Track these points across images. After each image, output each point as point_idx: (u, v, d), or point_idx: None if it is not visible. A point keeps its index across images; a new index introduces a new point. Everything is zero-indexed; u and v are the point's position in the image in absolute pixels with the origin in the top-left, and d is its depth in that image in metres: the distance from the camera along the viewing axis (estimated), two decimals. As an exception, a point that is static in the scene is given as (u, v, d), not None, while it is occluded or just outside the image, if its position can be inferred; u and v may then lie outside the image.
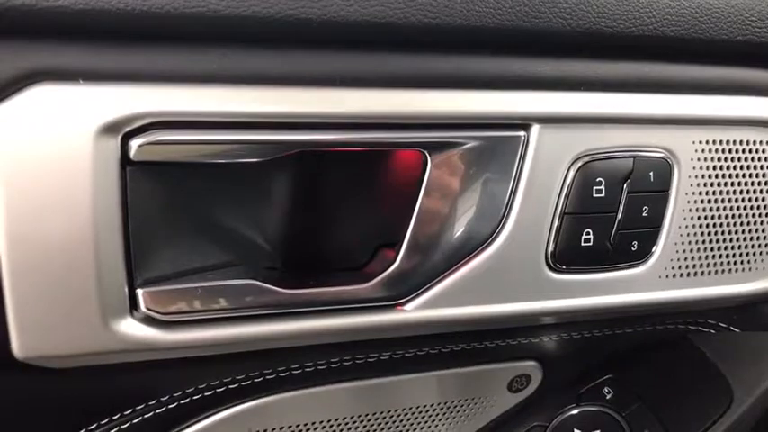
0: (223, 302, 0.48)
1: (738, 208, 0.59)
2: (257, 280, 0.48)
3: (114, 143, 0.43)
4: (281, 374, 0.57)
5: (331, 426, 0.61)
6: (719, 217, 0.58)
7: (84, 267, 0.43)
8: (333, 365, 0.58)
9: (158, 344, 0.47)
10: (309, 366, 0.57)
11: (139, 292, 0.46)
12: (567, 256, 0.54)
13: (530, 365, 0.66)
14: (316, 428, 0.61)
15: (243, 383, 0.56)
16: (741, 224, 0.59)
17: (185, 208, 0.49)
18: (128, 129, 0.43)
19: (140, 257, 0.46)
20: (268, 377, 0.56)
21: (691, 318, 0.66)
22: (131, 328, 0.46)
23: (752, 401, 0.62)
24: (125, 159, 0.43)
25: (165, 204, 0.47)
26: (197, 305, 0.47)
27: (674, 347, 0.68)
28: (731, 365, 0.64)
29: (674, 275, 0.58)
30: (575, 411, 0.67)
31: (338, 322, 0.51)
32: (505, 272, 0.53)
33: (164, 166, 0.45)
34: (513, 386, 0.66)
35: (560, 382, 0.68)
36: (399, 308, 0.52)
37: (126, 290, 0.45)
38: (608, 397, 0.67)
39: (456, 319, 0.53)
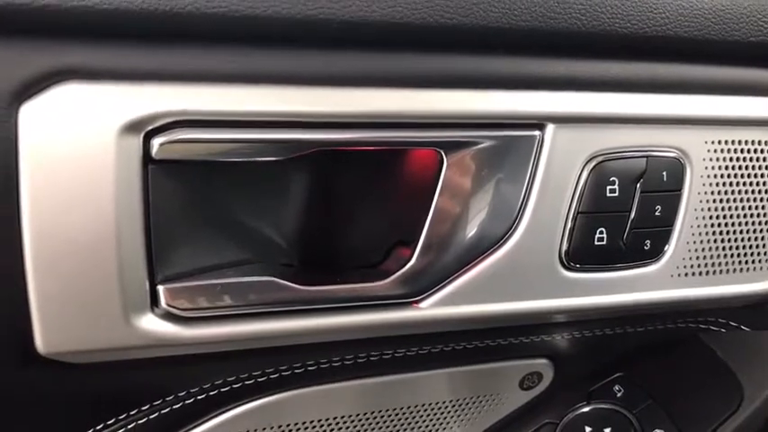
0: (241, 299, 0.48)
1: (750, 207, 0.59)
2: (275, 277, 0.49)
3: (137, 141, 0.43)
4: (297, 371, 0.57)
5: (345, 422, 0.62)
6: (732, 216, 0.59)
7: (107, 264, 0.44)
8: (347, 362, 0.58)
9: (178, 339, 0.47)
10: (324, 363, 0.58)
11: (160, 288, 0.46)
12: (581, 255, 0.55)
13: (541, 363, 0.66)
14: (330, 425, 0.61)
15: (259, 380, 0.56)
16: (753, 224, 0.60)
17: (205, 206, 0.49)
18: (150, 127, 0.43)
19: (161, 254, 0.46)
20: (283, 374, 0.57)
21: (702, 316, 0.67)
22: (152, 323, 0.47)
23: (762, 399, 0.63)
24: (147, 157, 0.44)
25: (185, 202, 0.48)
26: (216, 302, 0.48)
27: (685, 346, 0.68)
28: (742, 364, 0.65)
29: (686, 274, 0.59)
30: (586, 409, 0.67)
31: (354, 319, 0.51)
32: (520, 270, 0.54)
33: (184, 164, 0.46)
34: (525, 384, 0.67)
35: (571, 380, 0.69)
36: (415, 305, 0.52)
37: (147, 286, 0.46)
38: (619, 395, 0.67)
39: (471, 316, 0.54)
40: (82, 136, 0.42)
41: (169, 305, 0.47)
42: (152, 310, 0.47)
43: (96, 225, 0.43)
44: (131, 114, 0.43)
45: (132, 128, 0.43)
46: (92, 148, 0.42)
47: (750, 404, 0.62)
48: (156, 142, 0.43)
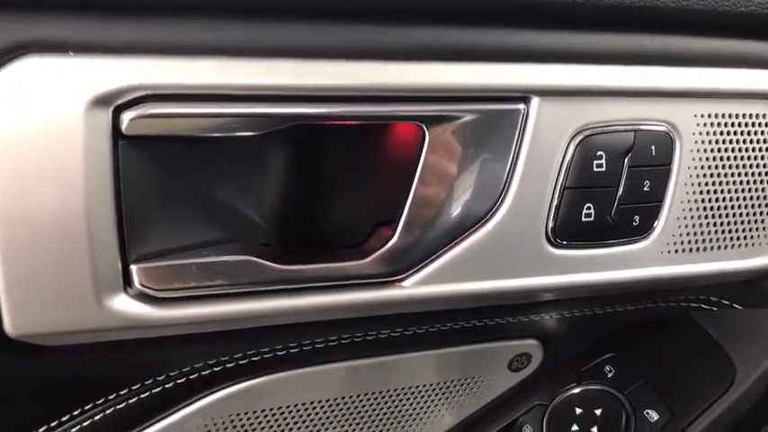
0: (218, 279, 0.47)
1: (741, 182, 0.58)
2: (253, 256, 0.48)
3: (106, 116, 0.42)
4: (279, 353, 0.56)
5: (330, 405, 0.60)
6: (722, 192, 0.58)
7: (77, 243, 0.43)
8: (331, 344, 0.57)
9: (153, 321, 0.46)
10: (307, 345, 0.56)
11: (133, 268, 0.45)
12: (568, 232, 0.54)
13: (530, 344, 0.65)
14: (314, 408, 0.60)
15: (240, 362, 0.55)
16: (744, 199, 0.58)
17: (179, 183, 0.48)
18: (119, 102, 0.42)
19: (133, 233, 0.45)
20: (266, 356, 0.56)
21: (693, 294, 0.65)
22: (125, 304, 0.45)
23: (755, 378, 0.62)
24: (117, 133, 0.42)
25: (158, 179, 0.46)
26: (191, 282, 0.47)
27: (677, 325, 0.67)
28: (734, 343, 0.64)
29: (676, 251, 0.58)
30: (576, 390, 0.66)
31: (336, 299, 0.50)
32: (505, 247, 0.52)
33: (156, 139, 0.44)
34: (514, 365, 0.66)
35: (561, 361, 0.68)
36: (398, 284, 0.51)
37: (119, 266, 0.45)
38: (609, 376, 0.66)
39: (455, 295, 0.52)
40: (48, 111, 0.41)
41: (143, 285, 0.45)
42: (125, 291, 0.45)
43: (65, 203, 0.42)
44: (99, 88, 0.41)
45: (100, 102, 0.41)
46: (59, 124, 0.41)
47: (742, 383, 0.61)
48: (126, 117, 0.42)
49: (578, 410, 0.65)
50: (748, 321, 0.66)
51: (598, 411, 0.64)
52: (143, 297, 0.46)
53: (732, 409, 0.60)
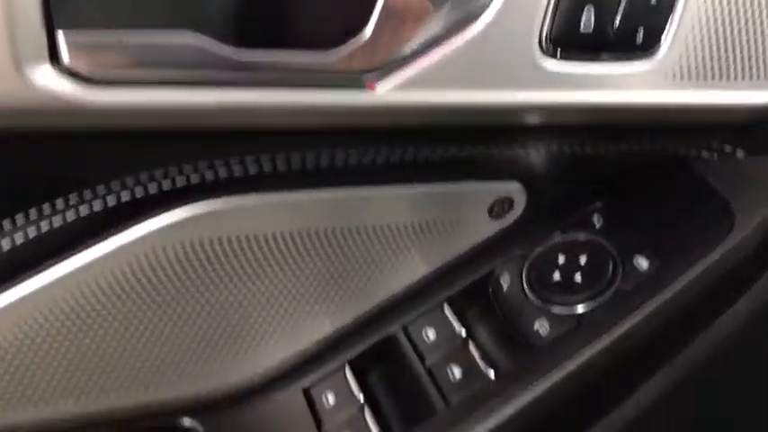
0: (161, 60, 0.41)
1: (760, 4, 0.52)
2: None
3: None
4: (236, 172, 0.50)
5: (293, 238, 0.55)
6: (737, 13, 0.51)
7: None
8: (294, 167, 0.51)
9: (82, 102, 0.40)
10: (267, 165, 0.51)
11: (60, 33, 0.38)
12: (564, 41, 0.47)
13: (512, 187, 0.60)
14: (276, 240, 0.55)
15: (191, 177, 0.49)
16: (761, 25, 0.52)
17: None
18: None
19: None
20: (220, 173, 0.50)
21: (692, 138, 0.60)
22: (51, 79, 0.39)
23: (755, 225, 0.57)
24: None
25: None
26: (129, 62, 0.40)
27: (672, 173, 0.61)
28: (733, 189, 0.58)
29: (681, 76, 0.51)
30: (560, 239, 0.61)
31: (298, 97, 0.44)
32: (492, 53, 0.46)
33: None
34: (495, 211, 0.60)
35: (546, 210, 0.63)
36: (369, 87, 0.45)
37: (44, 31, 0.38)
38: (597, 226, 0.61)
39: (433, 105, 0.47)
40: None
41: (72, 60, 0.39)
42: (51, 64, 0.39)
43: None
44: None
45: None
46: None
47: (741, 229, 0.56)
48: None
49: (561, 259, 0.60)
50: (750, 168, 0.60)
51: (583, 257, 0.59)
52: (72, 75, 0.40)
53: (729, 257, 0.56)
